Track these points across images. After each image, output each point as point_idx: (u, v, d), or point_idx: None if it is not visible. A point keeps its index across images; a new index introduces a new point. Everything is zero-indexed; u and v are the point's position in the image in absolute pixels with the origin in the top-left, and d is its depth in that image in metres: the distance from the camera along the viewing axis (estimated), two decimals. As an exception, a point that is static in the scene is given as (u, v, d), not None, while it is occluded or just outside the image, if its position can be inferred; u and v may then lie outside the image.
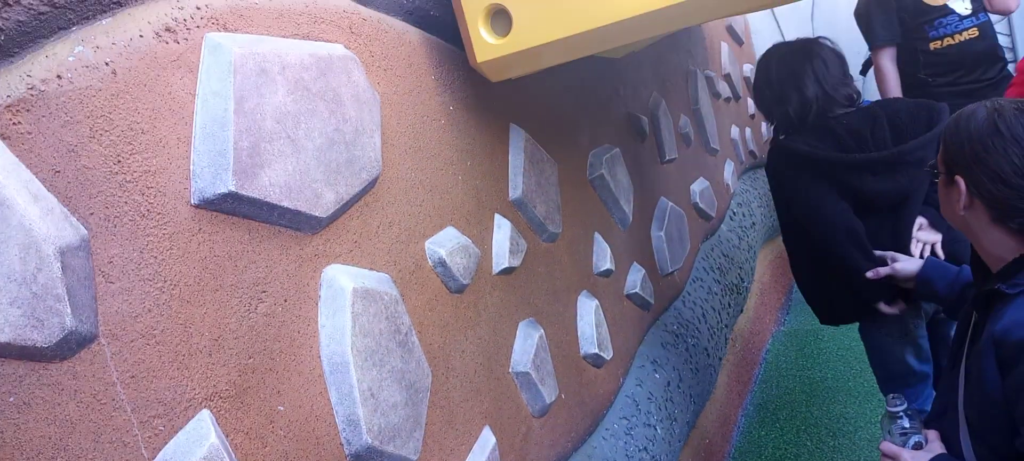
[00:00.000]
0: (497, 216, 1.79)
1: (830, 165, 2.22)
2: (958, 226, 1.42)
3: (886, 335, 2.43)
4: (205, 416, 0.98)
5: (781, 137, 2.39)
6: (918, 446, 1.47)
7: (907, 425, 1.52)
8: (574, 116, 2.33)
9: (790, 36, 3.66)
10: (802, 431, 3.49)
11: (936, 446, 1.45)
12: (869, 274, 2.14)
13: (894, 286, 2.18)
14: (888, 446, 1.50)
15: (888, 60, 3.66)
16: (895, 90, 3.63)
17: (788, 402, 3.79)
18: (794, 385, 3.95)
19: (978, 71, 3.61)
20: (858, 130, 2.23)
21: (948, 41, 3.59)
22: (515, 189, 1.88)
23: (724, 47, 4.54)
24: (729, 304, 3.72)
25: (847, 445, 3.30)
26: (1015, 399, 1.23)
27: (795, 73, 2.27)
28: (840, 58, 2.32)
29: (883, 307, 2.26)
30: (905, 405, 1.55)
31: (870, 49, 3.77)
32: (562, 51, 1.56)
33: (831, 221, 2.25)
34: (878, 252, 2.14)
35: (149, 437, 0.91)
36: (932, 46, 3.62)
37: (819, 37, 2.36)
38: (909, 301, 2.26)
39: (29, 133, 0.84)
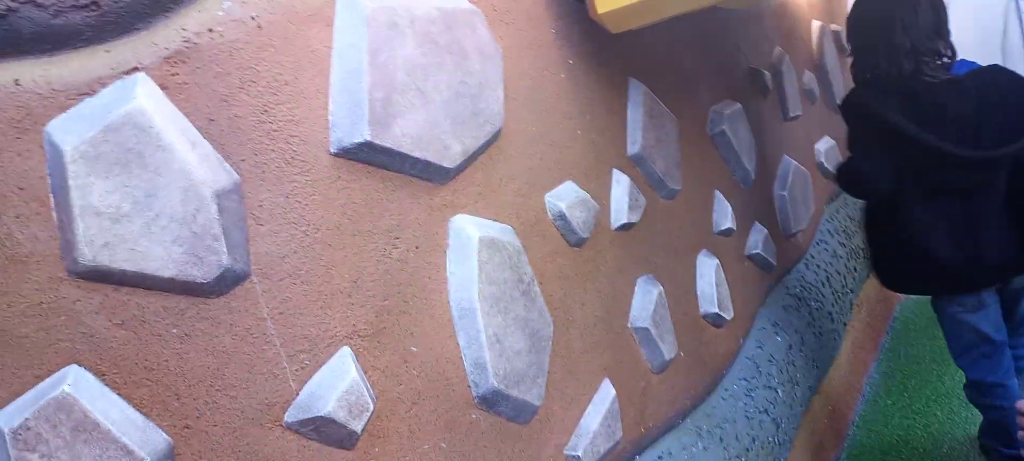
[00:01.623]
0: (615, 171, 1.78)
1: (899, 137, 2.06)
2: None
3: (958, 306, 2.30)
4: (346, 353, 1.03)
5: (860, 81, 2.23)
6: None
7: None
8: (694, 71, 2.28)
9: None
10: (932, 401, 3.32)
11: None
12: None
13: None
14: None
15: None
16: None
17: (917, 371, 3.61)
18: (924, 353, 3.75)
19: None
20: (940, 105, 2.02)
21: None
22: (634, 144, 1.86)
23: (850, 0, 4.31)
24: (855, 268, 3.57)
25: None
26: None
27: (885, 20, 2.09)
28: (935, 7, 2.08)
29: None
30: None
31: None
32: (683, 0, 1.53)
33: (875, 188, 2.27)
34: None
35: (297, 370, 0.97)
36: None
37: None
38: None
39: (185, 84, 0.90)
